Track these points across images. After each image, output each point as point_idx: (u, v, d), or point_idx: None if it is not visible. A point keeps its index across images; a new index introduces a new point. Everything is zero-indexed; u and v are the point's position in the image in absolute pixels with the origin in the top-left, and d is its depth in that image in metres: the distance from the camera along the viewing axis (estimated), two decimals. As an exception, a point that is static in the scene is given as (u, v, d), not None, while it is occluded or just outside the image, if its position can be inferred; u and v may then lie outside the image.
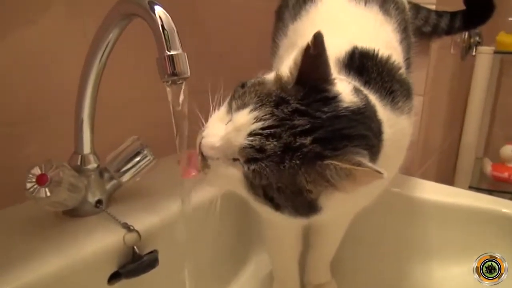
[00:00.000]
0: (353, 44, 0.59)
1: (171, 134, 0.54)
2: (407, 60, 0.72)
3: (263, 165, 0.47)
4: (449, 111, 1.59)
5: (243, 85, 0.54)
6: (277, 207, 0.50)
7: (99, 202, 0.66)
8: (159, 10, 0.52)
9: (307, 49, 0.48)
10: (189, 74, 0.52)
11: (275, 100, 0.49)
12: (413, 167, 1.19)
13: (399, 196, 0.84)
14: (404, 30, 0.74)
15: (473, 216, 0.78)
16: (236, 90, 0.54)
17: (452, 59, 1.47)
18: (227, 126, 0.51)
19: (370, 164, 0.44)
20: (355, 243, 0.80)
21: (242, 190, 0.51)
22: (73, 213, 0.65)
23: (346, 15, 0.70)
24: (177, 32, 0.52)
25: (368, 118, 0.51)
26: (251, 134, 0.48)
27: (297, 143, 0.46)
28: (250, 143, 0.48)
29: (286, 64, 0.53)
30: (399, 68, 0.62)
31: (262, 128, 0.47)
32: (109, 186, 0.68)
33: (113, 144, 0.70)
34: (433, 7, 1.06)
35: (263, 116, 0.48)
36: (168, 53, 0.51)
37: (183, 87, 0.53)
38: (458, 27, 1.06)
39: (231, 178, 0.50)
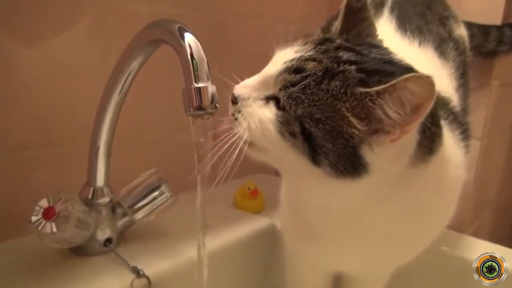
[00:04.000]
0: None
1: (192, 167, 0.53)
2: (464, 108, 0.70)
3: (302, 86, 0.46)
4: (509, 159, 1.53)
5: None
6: (316, 155, 0.46)
7: (108, 240, 0.66)
8: (189, 38, 0.52)
9: (349, 2, 0.51)
10: (216, 109, 0.52)
11: (319, 39, 0.51)
12: (465, 222, 1.15)
13: (448, 257, 0.81)
14: (462, 75, 0.72)
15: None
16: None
17: (515, 97, 1.43)
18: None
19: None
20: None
21: (273, 137, 0.48)
22: (79, 251, 0.65)
23: None
24: (207, 62, 0.52)
25: None
26: (287, 61, 0.49)
27: (340, 69, 0.47)
28: (286, 66, 0.49)
29: None
30: (450, 101, 0.62)
31: (301, 56, 0.49)
32: (120, 223, 0.68)
33: (128, 176, 0.70)
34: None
35: (304, 49, 0.50)
36: (196, 85, 0.51)
37: (209, 121, 0.53)
38: None
39: (262, 121, 0.49)
